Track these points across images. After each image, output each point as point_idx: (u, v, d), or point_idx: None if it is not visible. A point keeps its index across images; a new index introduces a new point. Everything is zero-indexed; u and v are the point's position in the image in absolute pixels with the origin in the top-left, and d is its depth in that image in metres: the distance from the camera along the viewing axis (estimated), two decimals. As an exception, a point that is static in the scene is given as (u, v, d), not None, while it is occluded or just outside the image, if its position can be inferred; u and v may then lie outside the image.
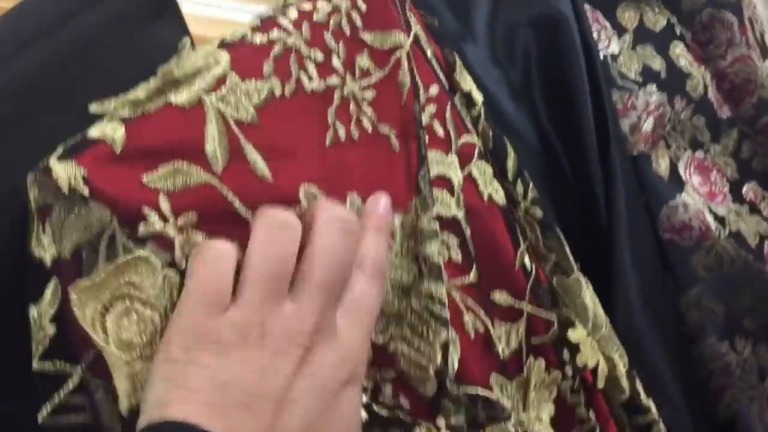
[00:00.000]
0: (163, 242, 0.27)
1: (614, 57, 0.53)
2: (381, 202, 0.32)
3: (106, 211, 0.26)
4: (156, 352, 0.26)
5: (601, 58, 0.51)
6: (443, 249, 0.34)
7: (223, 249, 0.28)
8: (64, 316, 0.26)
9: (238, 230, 0.28)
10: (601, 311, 0.42)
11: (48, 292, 0.26)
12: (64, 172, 0.25)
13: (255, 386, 0.26)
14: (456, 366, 0.32)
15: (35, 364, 0.26)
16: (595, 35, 0.52)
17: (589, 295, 0.41)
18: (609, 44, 0.53)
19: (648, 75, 0.53)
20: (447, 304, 0.32)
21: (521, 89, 0.50)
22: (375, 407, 0.31)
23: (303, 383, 0.27)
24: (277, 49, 0.31)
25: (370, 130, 0.33)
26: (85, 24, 0.30)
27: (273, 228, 0.28)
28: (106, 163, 0.26)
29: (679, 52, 0.54)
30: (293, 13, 0.32)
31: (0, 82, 0.28)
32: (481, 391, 0.35)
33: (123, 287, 0.26)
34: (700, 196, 0.54)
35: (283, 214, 0.29)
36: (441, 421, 0.33)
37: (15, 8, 0.29)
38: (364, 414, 0.31)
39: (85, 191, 0.26)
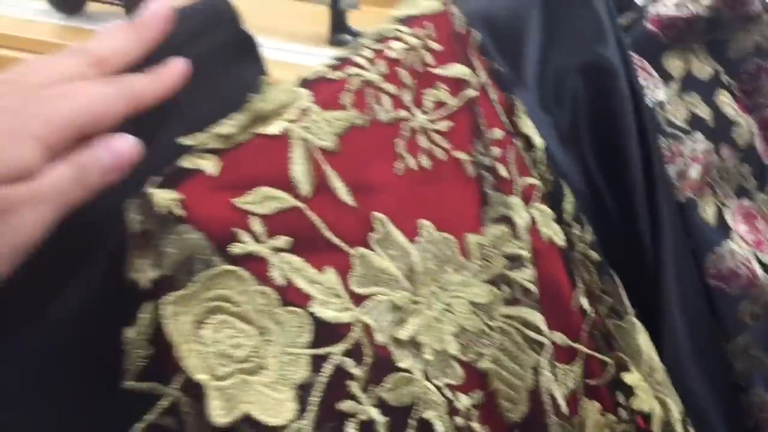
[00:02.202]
0: (256, 262, 0.28)
1: (661, 104, 0.53)
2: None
3: (201, 233, 0.28)
4: (254, 368, 0.27)
5: (649, 105, 0.52)
6: None
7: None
8: (158, 338, 0.27)
9: (328, 255, 0.30)
10: (655, 356, 0.42)
11: (144, 314, 0.27)
12: (162, 198, 0.27)
13: None
14: (563, 402, 0.33)
15: (128, 383, 0.27)
16: (642, 83, 0.53)
17: (644, 339, 0.42)
18: (656, 92, 0.53)
19: (695, 123, 0.53)
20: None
21: (569, 134, 0.51)
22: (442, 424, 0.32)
23: None
24: (354, 82, 0.33)
25: (444, 158, 0.35)
26: (184, 58, 0.31)
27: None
28: (200, 190, 0.28)
29: (725, 100, 0.55)
30: (368, 53, 0.34)
31: None
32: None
33: (216, 300, 0.27)
34: (747, 244, 0.54)
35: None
36: None
37: None
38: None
39: (182, 215, 0.27)
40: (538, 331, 0.35)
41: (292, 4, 1.08)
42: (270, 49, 0.96)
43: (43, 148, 0.26)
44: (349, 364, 0.30)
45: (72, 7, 1.05)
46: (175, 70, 0.30)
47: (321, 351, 0.30)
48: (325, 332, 0.30)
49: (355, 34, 1.03)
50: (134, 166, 0.28)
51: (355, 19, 1.04)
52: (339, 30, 1.02)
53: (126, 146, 0.28)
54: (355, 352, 0.30)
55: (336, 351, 0.30)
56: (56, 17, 1.05)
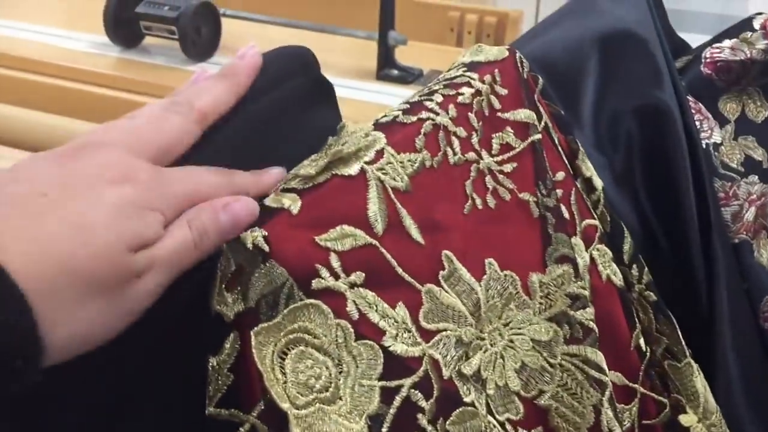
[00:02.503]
0: (334, 297, 0.30)
1: (716, 146, 0.54)
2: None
3: (284, 268, 0.29)
4: (331, 398, 0.28)
5: (704, 146, 0.53)
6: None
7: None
8: (240, 368, 0.28)
9: (399, 291, 0.31)
10: (711, 398, 0.42)
11: (227, 344, 0.28)
12: (249, 236, 0.28)
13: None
14: None
15: (211, 409, 0.28)
16: (697, 124, 0.53)
17: (700, 382, 0.42)
18: (711, 134, 0.54)
19: (750, 165, 0.54)
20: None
21: (623, 175, 0.52)
22: None
23: (53, 170, 0.27)
24: (426, 125, 0.34)
25: (508, 198, 0.36)
26: (268, 102, 0.34)
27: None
28: (284, 227, 0.29)
29: (781, 143, 0.55)
30: (438, 97, 0.36)
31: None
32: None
33: (298, 331, 0.29)
34: (802, 287, 0.54)
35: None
36: None
37: None
38: None
39: (267, 251, 0.29)
40: (600, 369, 0.36)
41: (341, 40, 1.11)
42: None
43: (163, 219, 0.28)
44: (419, 397, 0.31)
45: (130, 40, 1.09)
46: (275, 175, 0.33)
47: (392, 384, 0.31)
48: (396, 365, 0.31)
49: (404, 69, 1.05)
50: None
51: (403, 55, 1.06)
52: (387, 65, 1.04)
53: (245, 209, 0.30)
54: (423, 386, 0.31)
55: (406, 384, 0.31)
56: (115, 50, 1.10)
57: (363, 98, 0.97)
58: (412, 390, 0.31)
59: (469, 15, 1.22)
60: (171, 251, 0.28)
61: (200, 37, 1.03)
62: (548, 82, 0.49)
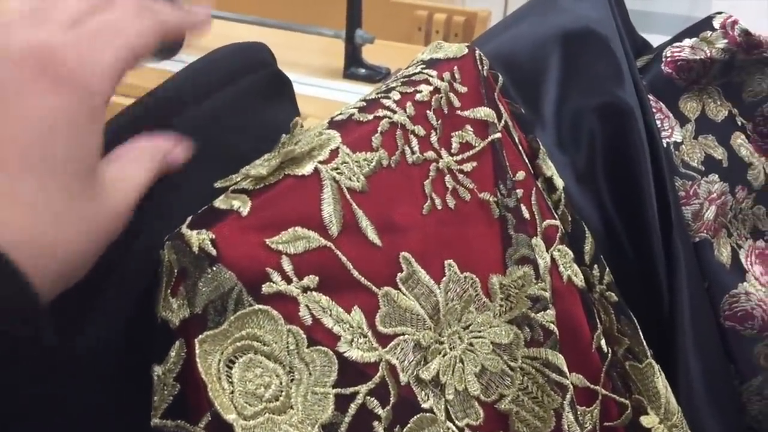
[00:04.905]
0: (286, 302, 0.29)
1: (677, 145, 0.54)
2: None
3: (232, 272, 0.28)
4: (282, 408, 0.27)
5: (665, 145, 0.53)
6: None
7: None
8: (187, 377, 0.27)
9: (355, 294, 0.30)
10: (673, 399, 0.42)
11: (173, 353, 0.27)
12: (196, 238, 0.27)
13: None
14: None
15: (156, 420, 0.27)
16: (658, 123, 0.53)
17: (661, 382, 0.42)
18: (672, 133, 0.54)
19: (710, 164, 0.54)
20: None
21: (585, 174, 0.51)
22: None
23: None
24: (383, 124, 0.33)
25: (468, 198, 0.35)
26: (221, 99, 0.32)
27: None
28: (232, 229, 0.28)
29: (740, 142, 0.55)
30: (396, 95, 0.35)
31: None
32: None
33: (246, 339, 0.28)
34: (762, 286, 0.54)
35: None
36: None
37: (167, 81, 0.32)
38: None
39: (215, 255, 0.27)
40: (561, 372, 0.35)
41: (309, 38, 1.10)
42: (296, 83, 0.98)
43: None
44: (375, 404, 0.30)
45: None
46: (202, 12, 0.31)
47: (347, 391, 0.30)
48: (351, 372, 0.30)
49: (371, 68, 1.04)
50: (169, 205, 0.28)
51: (370, 54, 1.05)
52: (354, 64, 1.03)
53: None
54: (380, 392, 0.31)
55: (362, 391, 0.30)
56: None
57: (330, 97, 0.96)
58: (368, 397, 0.30)
59: (437, 14, 1.21)
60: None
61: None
62: (510, 80, 0.49)
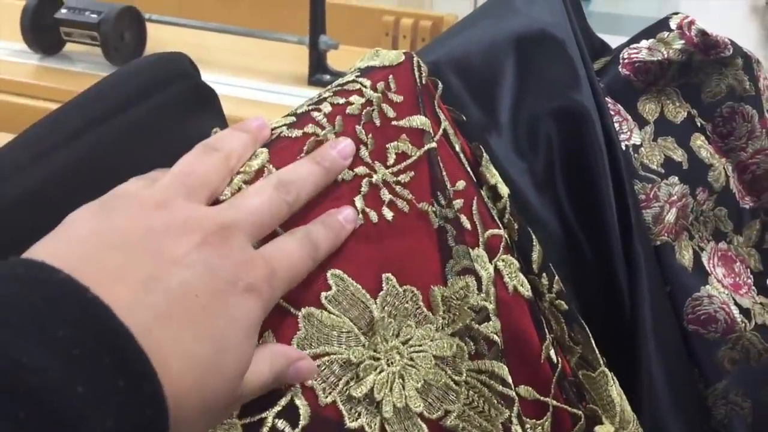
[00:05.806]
0: None
1: (636, 148, 0.53)
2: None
3: None
4: None
5: (623, 149, 0.52)
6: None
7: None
8: None
9: (269, 318, 0.29)
10: (628, 407, 0.41)
11: None
12: None
13: (137, 244, 0.26)
14: None
15: None
16: (616, 126, 0.53)
17: (615, 390, 0.41)
18: (631, 136, 0.53)
19: (670, 166, 0.53)
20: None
21: (544, 179, 0.51)
22: None
23: (193, 257, 0.26)
24: (310, 142, 0.32)
25: (407, 210, 0.34)
26: (138, 114, 0.31)
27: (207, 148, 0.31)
28: None
29: (699, 143, 0.55)
30: (327, 107, 0.34)
31: (46, 171, 0.29)
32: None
33: None
34: (725, 288, 0.53)
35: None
36: None
37: (81, 94, 0.31)
38: None
39: None
40: (505, 384, 0.34)
41: (273, 45, 1.09)
42: (251, 89, 0.97)
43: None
44: (283, 426, 0.30)
45: (50, 47, 1.05)
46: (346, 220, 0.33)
47: (255, 418, 0.29)
48: (257, 399, 0.29)
49: (335, 74, 1.03)
50: None
51: (336, 60, 1.04)
52: (319, 70, 1.02)
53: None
54: (288, 414, 0.30)
55: (270, 415, 0.30)
56: (34, 58, 1.06)
57: (294, 104, 0.94)
58: (277, 420, 0.30)
59: (404, 19, 1.21)
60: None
61: (123, 43, 1.00)
62: (465, 85, 0.48)
